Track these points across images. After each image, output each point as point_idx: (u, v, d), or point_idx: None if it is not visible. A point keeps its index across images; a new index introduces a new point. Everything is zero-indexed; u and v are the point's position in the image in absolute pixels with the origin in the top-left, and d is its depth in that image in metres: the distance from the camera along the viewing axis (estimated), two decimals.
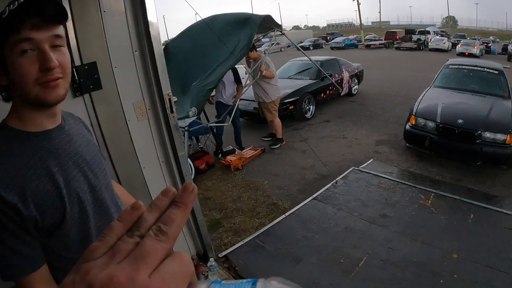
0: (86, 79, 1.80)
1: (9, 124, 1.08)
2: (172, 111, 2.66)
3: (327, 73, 9.36)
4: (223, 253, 3.63)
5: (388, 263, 3.34)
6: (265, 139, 7.49)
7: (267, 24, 5.60)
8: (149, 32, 2.43)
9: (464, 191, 4.75)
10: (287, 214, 4.30)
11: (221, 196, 5.23)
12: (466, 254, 3.39)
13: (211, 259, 3.17)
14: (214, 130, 6.42)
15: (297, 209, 4.40)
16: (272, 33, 6.03)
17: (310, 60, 7.56)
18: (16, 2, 0.92)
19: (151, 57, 2.53)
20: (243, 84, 6.69)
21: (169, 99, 2.62)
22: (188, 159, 5.05)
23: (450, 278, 3.10)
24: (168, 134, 2.78)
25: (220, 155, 6.60)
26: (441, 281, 3.07)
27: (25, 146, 1.07)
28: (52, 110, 1.12)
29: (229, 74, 6.25)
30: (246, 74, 8.39)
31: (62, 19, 1.04)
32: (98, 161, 1.29)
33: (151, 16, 2.42)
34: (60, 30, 1.04)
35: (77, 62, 2.11)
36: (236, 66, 5.91)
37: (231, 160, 6.22)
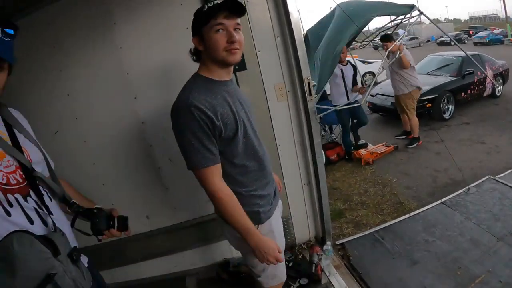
0: None
1: (202, 74, 1.68)
2: (310, 94, 2.79)
3: (468, 71, 8.69)
4: (341, 241, 3.68)
5: (508, 286, 3.04)
6: (399, 137, 7.26)
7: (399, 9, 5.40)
8: (290, 20, 2.63)
9: None
10: (411, 214, 4.17)
11: (348, 188, 5.28)
12: None
13: (328, 243, 3.26)
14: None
15: (422, 211, 4.22)
16: (411, 19, 5.53)
17: (462, 50, 6.70)
18: (212, 2, 1.54)
19: (292, 43, 2.72)
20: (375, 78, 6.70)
21: (308, 83, 2.76)
22: None
23: None
24: (305, 116, 2.92)
25: (353, 147, 6.61)
26: None
27: (214, 87, 1.65)
28: (230, 68, 1.72)
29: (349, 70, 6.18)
30: (381, 68, 8.11)
31: (242, 13, 1.60)
32: (250, 107, 1.88)
33: (291, 7, 2.62)
34: (239, 20, 1.61)
35: None
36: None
37: (362, 154, 6.22)
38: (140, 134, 2.72)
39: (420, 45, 39.50)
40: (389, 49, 5.88)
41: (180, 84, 1.68)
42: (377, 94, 8.69)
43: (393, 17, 5.96)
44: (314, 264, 3.05)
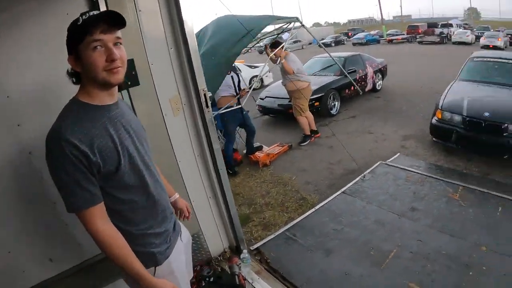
0: (125, 76, 1.90)
1: (80, 99, 1.45)
2: (207, 106, 2.75)
3: (350, 69, 9.43)
4: (255, 246, 3.70)
5: (418, 255, 3.36)
6: (303, 144, 7.28)
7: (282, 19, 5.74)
8: (184, 30, 2.53)
9: (492, 185, 4.70)
10: (316, 207, 4.36)
11: (250, 192, 5.32)
12: (495, 247, 3.38)
13: (244, 251, 3.26)
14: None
15: (326, 203, 4.44)
16: (291, 27, 6.07)
17: (332, 58, 7.48)
18: (88, 14, 1.35)
19: (186, 54, 2.63)
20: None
21: (204, 94, 2.71)
22: None
23: (479, 270, 3.11)
24: (203, 128, 2.87)
25: (248, 151, 6.66)
26: (470, 273, 3.09)
27: (93, 114, 1.44)
28: (112, 90, 1.51)
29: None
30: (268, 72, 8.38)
31: (122, 26, 1.42)
32: (141, 132, 1.68)
33: (186, 15, 2.51)
34: (119, 33, 1.44)
35: None
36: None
37: (259, 156, 6.31)
38: (28, 166, 2.42)
39: (302, 48, 41.64)
40: (270, 56, 6.25)
41: None
42: (266, 97, 8.95)
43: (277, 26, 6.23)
44: (236, 275, 3.02)
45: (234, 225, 3.32)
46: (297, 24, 5.61)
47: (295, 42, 42.80)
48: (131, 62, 2.33)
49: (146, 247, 1.63)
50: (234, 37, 5.22)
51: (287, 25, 5.99)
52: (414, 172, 5.08)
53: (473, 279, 3.04)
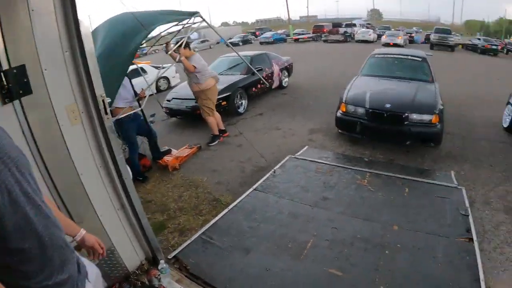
0: (16, 84, 1.66)
1: None
2: (106, 113, 2.56)
3: (257, 68, 9.52)
4: (172, 254, 3.56)
5: (334, 242, 3.47)
6: (212, 144, 7.16)
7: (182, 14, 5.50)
8: (80, 31, 2.30)
9: (397, 169, 5.05)
10: (229, 207, 4.31)
11: (162, 198, 5.15)
12: (406, 224, 3.62)
13: (162, 261, 3.13)
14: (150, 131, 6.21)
15: (239, 202, 4.42)
16: (195, 25, 5.78)
17: (239, 56, 7.51)
18: None
19: (82, 57, 2.40)
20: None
21: (103, 100, 2.52)
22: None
23: (395, 248, 3.29)
24: (104, 137, 2.67)
25: (156, 156, 6.41)
26: (386, 252, 3.26)
27: None
28: None
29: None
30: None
31: None
32: (22, 160, 1.27)
33: (81, 15, 2.29)
34: None
35: (5, 66, 1.96)
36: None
37: (168, 160, 6.12)
38: None
39: (210, 47, 41.49)
40: (169, 53, 6.05)
41: None
42: (173, 98, 8.73)
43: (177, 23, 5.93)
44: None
45: (147, 235, 3.18)
46: (198, 19, 5.37)
47: (202, 41, 42.82)
48: (22, 69, 2.06)
49: None
50: (129, 35, 4.83)
51: (190, 22, 5.73)
52: (323, 163, 5.26)
53: (390, 257, 3.21)
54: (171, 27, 6.14)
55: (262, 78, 9.20)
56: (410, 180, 4.53)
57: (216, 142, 7.11)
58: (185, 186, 5.41)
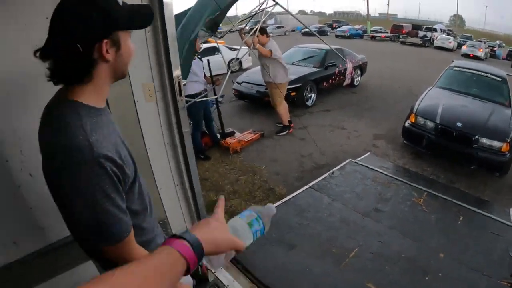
0: None
1: (84, 102, 1.12)
2: (180, 94, 2.67)
3: (330, 63, 9.42)
4: None
5: (378, 256, 3.42)
6: (280, 134, 7.20)
7: None
8: (163, 12, 2.38)
9: (456, 193, 4.84)
10: (283, 200, 4.35)
11: (219, 178, 5.30)
12: (453, 254, 3.49)
13: None
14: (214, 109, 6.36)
15: (293, 197, 4.44)
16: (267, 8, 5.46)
17: (326, 44, 6.80)
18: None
19: (164, 39, 2.49)
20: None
21: (179, 82, 2.63)
22: None
23: (436, 276, 3.19)
24: (175, 117, 2.78)
25: (220, 136, 6.60)
26: (426, 278, 3.17)
27: (103, 120, 1.16)
28: None
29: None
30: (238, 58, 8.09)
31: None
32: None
33: None
34: None
35: None
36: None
37: (230, 143, 6.27)
38: None
39: (285, 34, 41.33)
40: (244, 40, 6.08)
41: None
42: (243, 82, 8.84)
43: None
44: (199, 265, 3.01)
45: (200, 215, 3.28)
46: (272, 2, 5.20)
47: (278, 27, 42.55)
48: None
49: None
50: (198, 14, 4.79)
51: (259, 9, 5.56)
52: (382, 173, 5.14)
53: (428, 284, 3.12)
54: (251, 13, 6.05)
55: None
56: (467, 209, 4.33)
57: (285, 132, 7.16)
58: (243, 170, 5.54)
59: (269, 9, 5.38)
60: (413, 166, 5.91)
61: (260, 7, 5.49)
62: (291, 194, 4.53)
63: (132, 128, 2.62)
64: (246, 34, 6.26)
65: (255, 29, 5.75)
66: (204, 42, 7.28)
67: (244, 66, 13.94)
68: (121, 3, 1.14)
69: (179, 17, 5.27)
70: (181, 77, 2.63)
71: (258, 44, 6.18)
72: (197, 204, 3.22)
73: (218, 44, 8.31)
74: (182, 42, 4.53)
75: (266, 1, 5.23)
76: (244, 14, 6.37)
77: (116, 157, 1.08)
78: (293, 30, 44.64)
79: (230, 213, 4.26)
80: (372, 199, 4.46)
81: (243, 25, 6.56)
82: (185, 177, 3.10)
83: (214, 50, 10.28)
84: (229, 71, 5.17)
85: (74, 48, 1.03)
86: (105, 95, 1.23)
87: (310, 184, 4.73)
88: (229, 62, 13.72)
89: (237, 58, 8.07)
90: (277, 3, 5.15)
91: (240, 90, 8.84)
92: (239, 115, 8.69)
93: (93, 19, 1.05)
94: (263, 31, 6.32)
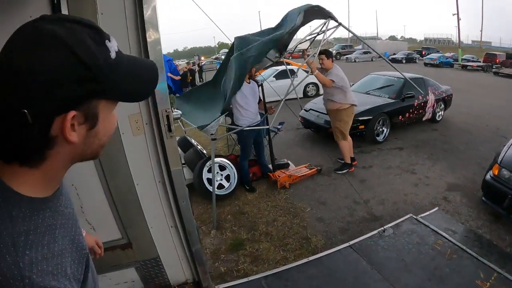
0: None
1: (24, 194, 0.72)
2: (170, 130, 2.30)
3: (409, 94, 8.56)
4: (220, 287, 3.27)
5: None
6: (338, 172, 6.53)
7: (316, 16, 4.87)
8: (146, 41, 2.13)
9: None
10: (310, 258, 3.76)
11: (257, 214, 4.93)
12: None
13: None
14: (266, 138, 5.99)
15: (325, 255, 3.82)
16: (324, 27, 5.01)
17: (399, 72, 6.40)
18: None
19: None
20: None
21: (167, 116, 2.26)
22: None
23: None
24: (163, 156, 2.49)
25: (272, 167, 6.11)
26: None
27: (46, 220, 0.76)
28: None
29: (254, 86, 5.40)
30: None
31: None
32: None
33: (148, 15, 2.12)
34: None
35: None
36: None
37: (279, 177, 5.77)
38: None
39: (372, 60, 40.33)
40: (306, 60, 5.51)
41: None
42: (311, 109, 8.32)
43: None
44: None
45: (196, 260, 2.99)
46: (333, 23, 4.71)
47: (365, 53, 41.51)
48: None
49: None
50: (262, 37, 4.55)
51: (321, 30, 5.09)
52: (446, 239, 4.19)
53: None
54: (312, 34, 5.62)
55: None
56: None
57: (345, 171, 6.46)
58: (284, 210, 5.07)
59: (330, 31, 4.99)
60: (488, 231, 4.80)
61: (322, 28, 5.01)
62: (326, 250, 3.94)
63: (119, 163, 2.44)
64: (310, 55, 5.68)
65: (315, 51, 5.34)
66: (276, 63, 6.85)
67: (321, 91, 13.40)
68: (113, 55, 0.77)
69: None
70: (169, 110, 2.28)
71: (317, 71, 5.62)
72: (192, 252, 2.97)
73: (295, 66, 7.91)
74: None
75: (328, 22, 4.80)
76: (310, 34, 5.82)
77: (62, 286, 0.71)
78: (380, 57, 43.42)
79: (253, 257, 3.92)
80: (423, 276, 3.54)
81: (307, 46, 6.13)
82: (177, 221, 2.86)
83: (285, 74, 9.83)
84: (284, 98, 4.79)
85: (19, 115, 0.63)
86: (59, 179, 0.83)
87: (351, 242, 4.03)
88: (305, 86, 13.46)
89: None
90: (340, 24, 4.71)
91: (306, 117, 8.31)
92: (301, 145, 8.21)
93: (59, 75, 0.65)
94: (328, 54, 5.82)
